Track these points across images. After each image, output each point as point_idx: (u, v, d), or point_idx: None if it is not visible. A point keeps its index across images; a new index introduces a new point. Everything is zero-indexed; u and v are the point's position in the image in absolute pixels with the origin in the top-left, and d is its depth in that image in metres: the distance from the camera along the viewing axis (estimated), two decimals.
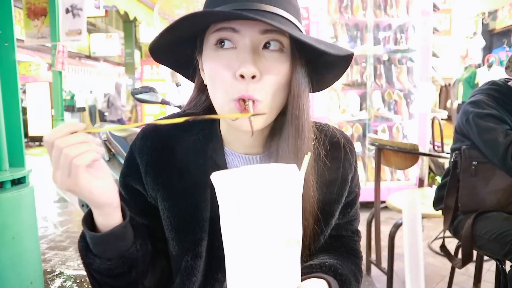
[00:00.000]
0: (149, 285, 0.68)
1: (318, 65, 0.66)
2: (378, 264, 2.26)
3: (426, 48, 3.52)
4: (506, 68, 1.51)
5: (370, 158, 3.64)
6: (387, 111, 3.66)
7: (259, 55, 0.59)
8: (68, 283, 2.30)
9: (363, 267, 2.33)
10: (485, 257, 2.04)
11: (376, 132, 3.66)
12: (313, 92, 0.68)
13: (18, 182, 1.83)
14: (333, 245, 0.74)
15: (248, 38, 0.58)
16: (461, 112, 1.51)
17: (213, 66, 0.60)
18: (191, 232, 0.67)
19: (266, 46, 0.60)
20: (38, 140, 9.13)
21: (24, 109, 9.00)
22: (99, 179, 0.54)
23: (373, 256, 2.31)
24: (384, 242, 2.34)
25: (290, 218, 0.47)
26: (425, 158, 3.61)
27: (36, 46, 9.17)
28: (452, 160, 1.55)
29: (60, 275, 2.40)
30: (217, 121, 0.70)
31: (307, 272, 0.64)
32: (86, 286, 2.27)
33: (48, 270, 2.44)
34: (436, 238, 2.75)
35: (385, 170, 3.63)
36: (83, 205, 2.38)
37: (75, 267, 2.52)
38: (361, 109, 3.67)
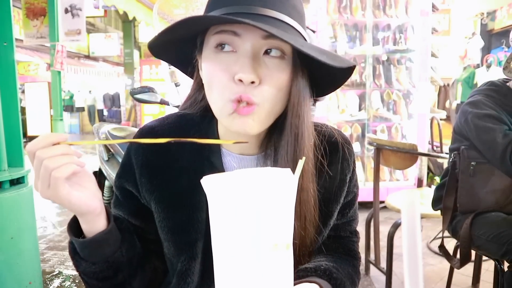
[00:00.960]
0: (138, 287, 0.69)
1: (319, 74, 0.65)
2: (377, 264, 2.26)
3: (425, 48, 3.53)
4: (504, 69, 1.52)
5: (369, 158, 3.64)
6: (386, 111, 3.66)
7: (259, 61, 0.58)
8: (67, 283, 2.30)
9: (362, 267, 2.33)
10: (484, 257, 2.04)
11: (375, 132, 3.66)
12: (314, 97, 0.67)
13: (17, 182, 1.83)
14: (332, 246, 0.74)
15: (249, 42, 0.58)
16: (460, 112, 1.51)
17: (212, 68, 0.60)
18: (186, 233, 0.67)
19: (267, 52, 0.59)
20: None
21: (23, 109, 8.99)
22: (79, 190, 0.55)
23: (372, 256, 2.31)
24: (383, 242, 2.34)
25: (279, 222, 0.47)
26: (424, 158, 3.62)
27: (35, 46, 9.16)
28: (450, 160, 1.56)
29: (59, 275, 2.39)
30: (214, 122, 0.70)
31: (302, 275, 0.63)
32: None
33: (47, 270, 2.44)
34: (435, 238, 2.76)
35: (384, 170, 3.63)
36: None
37: (74, 267, 2.51)
38: (360, 109, 3.67)
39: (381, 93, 3.68)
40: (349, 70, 0.62)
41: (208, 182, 0.47)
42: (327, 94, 0.72)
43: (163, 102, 2.01)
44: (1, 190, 1.74)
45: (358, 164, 3.62)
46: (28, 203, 1.85)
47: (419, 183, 3.65)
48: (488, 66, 5.85)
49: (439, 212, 1.65)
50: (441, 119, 3.85)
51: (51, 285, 2.27)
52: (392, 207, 2.08)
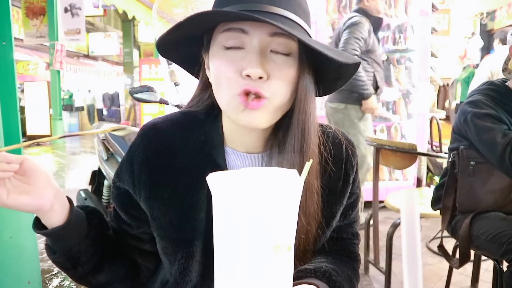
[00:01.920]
0: (105, 280, 0.71)
1: (324, 71, 0.65)
2: (376, 264, 2.26)
3: (424, 48, 3.53)
4: (503, 70, 1.52)
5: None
6: (386, 111, 3.66)
7: (267, 58, 0.59)
8: (66, 283, 2.29)
9: (361, 266, 2.33)
10: (483, 257, 2.04)
11: (374, 131, 3.66)
12: (318, 96, 0.68)
13: None
14: (333, 248, 0.74)
15: (257, 39, 0.58)
16: (459, 112, 1.51)
17: (220, 64, 0.60)
18: (184, 232, 0.67)
19: (274, 49, 0.60)
20: (36, 139, 9.09)
21: (22, 109, 8.98)
22: (24, 190, 0.57)
23: (371, 256, 2.31)
24: (382, 242, 2.34)
25: (282, 223, 0.46)
26: (423, 158, 3.61)
27: (34, 45, 9.16)
28: (450, 160, 1.56)
29: (58, 275, 2.39)
30: (219, 119, 0.69)
31: (301, 276, 0.63)
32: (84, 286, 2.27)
33: (46, 269, 2.44)
34: (434, 238, 2.76)
35: (384, 170, 3.63)
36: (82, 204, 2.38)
37: None
38: None
39: None
40: (353, 68, 0.63)
41: (213, 180, 0.47)
42: (331, 93, 0.72)
43: (162, 102, 2.00)
44: None
45: None
46: None
47: (419, 183, 3.65)
48: None
49: (438, 212, 1.65)
50: (440, 119, 3.84)
51: (50, 285, 2.26)
52: (391, 206, 2.08)
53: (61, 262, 0.66)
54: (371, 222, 2.27)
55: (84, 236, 0.65)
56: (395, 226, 1.95)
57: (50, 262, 2.75)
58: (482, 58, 6.31)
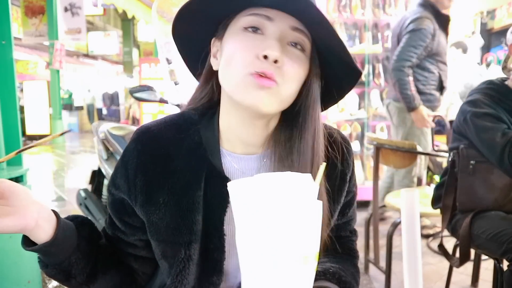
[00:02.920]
0: None
1: (329, 78, 0.67)
2: (376, 263, 2.26)
3: None
4: (503, 69, 1.52)
5: (369, 157, 3.64)
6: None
7: (285, 47, 0.60)
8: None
9: (361, 266, 2.33)
10: (483, 256, 2.04)
11: (374, 131, 3.66)
12: (321, 110, 0.68)
13: (16, 181, 1.83)
14: (332, 246, 0.74)
15: (279, 28, 0.60)
16: (459, 111, 1.51)
17: (237, 44, 0.61)
18: (181, 234, 0.66)
19: (291, 42, 0.61)
20: (35, 139, 9.11)
21: (21, 108, 8.98)
22: (5, 213, 0.55)
23: (371, 255, 2.31)
24: (382, 241, 2.34)
25: (308, 232, 0.45)
26: (424, 157, 3.61)
27: (34, 44, 9.15)
28: (450, 159, 1.56)
29: None
30: (215, 120, 0.69)
31: None
32: None
33: None
34: (434, 237, 2.76)
35: (384, 169, 3.63)
36: (81, 204, 2.38)
37: None
38: (359, 108, 3.67)
39: (380, 92, 3.67)
40: (356, 75, 0.65)
41: (235, 188, 0.46)
42: (330, 106, 0.73)
43: (162, 101, 2.00)
44: None
45: (358, 163, 3.61)
46: None
47: (419, 182, 3.66)
48: (488, 65, 5.84)
49: (438, 211, 1.65)
50: None
51: (49, 284, 2.26)
52: (391, 206, 2.08)
53: (54, 275, 0.66)
54: (371, 221, 2.27)
55: (74, 249, 0.64)
56: (395, 225, 1.95)
57: None
58: (482, 57, 6.31)
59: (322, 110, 0.69)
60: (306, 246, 0.45)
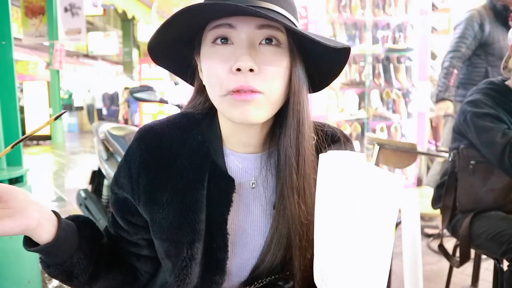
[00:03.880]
0: None
1: (315, 63, 0.65)
2: None
3: (424, 47, 3.53)
4: (503, 69, 1.52)
5: (369, 157, 3.64)
6: (386, 110, 3.66)
7: (256, 50, 0.58)
8: None
9: None
10: (483, 256, 2.04)
11: (374, 131, 3.66)
12: (311, 92, 0.67)
13: (16, 181, 1.83)
14: None
15: (245, 33, 0.58)
16: (459, 111, 1.51)
17: (210, 62, 0.60)
18: (184, 234, 0.66)
19: (262, 41, 0.59)
20: (35, 139, 9.11)
21: (21, 108, 8.98)
22: (5, 215, 0.54)
23: None
24: None
25: (392, 204, 0.49)
26: (424, 157, 3.62)
27: (34, 44, 9.15)
28: (450, 159, 1.56)
29: None
30: (216, 120, 0.69)
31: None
32: None
33: None
34: (434, 237, 2.76)
35: (384, 169, 3.63)
36: (81, 204, 2.38)
37: None
38: (359, 108, 3.67)
39: (380, 92, 3.67)
40: (344, 53, 0.61)
41: (327, 159, 0.48)
42: (324, 87, 0.71)
43: (162, 101, 2.00)
44: None
45: None
46: None
47: (419, 182, 3.66)
48: None
49: (438, 211, 1.65)
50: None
51: (50, 284, 2.26)
52: None
53: (56, 275, 0.66)
54: None
55: (76, 249, 0.64)
56: (395, 225, 1.94)
57: None
58: None
59: (322, 88, 0.69)
60: (390, 217, 0.48)
